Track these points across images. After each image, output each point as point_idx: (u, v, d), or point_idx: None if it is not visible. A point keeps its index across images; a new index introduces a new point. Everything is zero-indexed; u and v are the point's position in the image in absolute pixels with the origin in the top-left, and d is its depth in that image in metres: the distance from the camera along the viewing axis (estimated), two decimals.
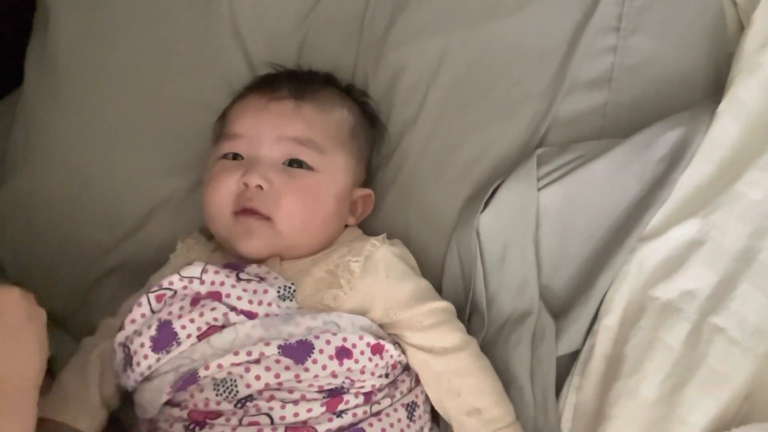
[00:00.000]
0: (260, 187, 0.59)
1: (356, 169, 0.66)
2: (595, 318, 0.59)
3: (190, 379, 0.52)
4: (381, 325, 0.59)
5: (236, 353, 0.52)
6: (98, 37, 0.73)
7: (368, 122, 0.70)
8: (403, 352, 0.59)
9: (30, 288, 0.68)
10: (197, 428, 0.52)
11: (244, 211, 0.59)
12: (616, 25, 0.70)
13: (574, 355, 0.59)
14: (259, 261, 0.60)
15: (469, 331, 0.61)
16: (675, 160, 0.61)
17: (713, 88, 0.67)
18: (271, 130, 0.61)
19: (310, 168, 0.61)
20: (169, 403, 0.54)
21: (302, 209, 0.60)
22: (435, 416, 0.62)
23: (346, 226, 0.67)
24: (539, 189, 0.63)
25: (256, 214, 0.59)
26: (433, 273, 0.65)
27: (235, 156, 0.61)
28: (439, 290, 0.64)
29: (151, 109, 0.72)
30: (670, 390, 0.53)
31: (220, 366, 0.52)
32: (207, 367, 0.52)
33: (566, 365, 0.59)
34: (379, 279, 0.59)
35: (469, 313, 0.64)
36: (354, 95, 0.70)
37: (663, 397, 0.53)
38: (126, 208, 0.70)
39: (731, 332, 0.55)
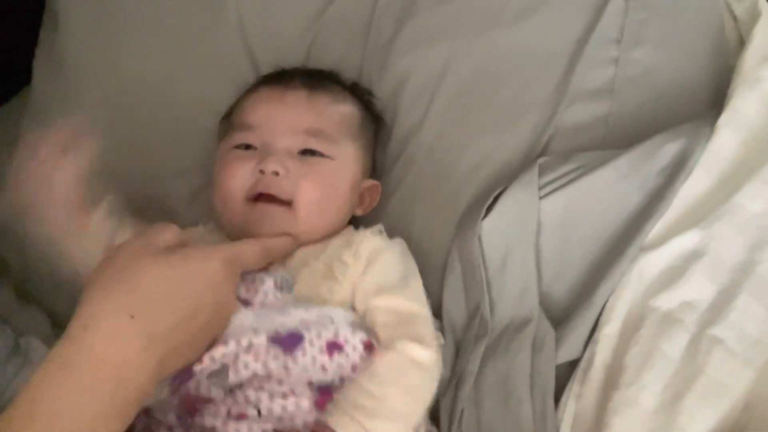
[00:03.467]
0: (277, 173, 0.59)
1: (365, 161, 0.67)
2: (595, 327, 0.59)
3: (186, 376, 0.52)
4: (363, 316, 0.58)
5: (226, 343, 0.52)
6: (106, 39, 0.73)
7: (373, 118, 0.71)
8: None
9: (35, 291, 0.70)
10: (189, 418, 0.52)
11: (262, 197, 0.59)
12: (618, 37, 0.71)
13: (574, 364, 0.59)
14: None
15: (473, 337, 0.61)
16: (675, 172, 0.62)
17: (714, 100, 0.68)
18: (284, 121, 0.61)
19: (324, 156, 0.62)
20: None
21: (320, 194, 0.60)
22: (435, 418, 0.62)
23: (353, 221, 0.67)
24: (541, 197, 0.64)
25: (275, 200, 0.59)
26: (434, 278, 0.64)
27: (248, 147, 0.62)
28: (441, 296, 0.64)
29: (157, 111, 0.72)
30: (670, 400, 0.54)
31: (212, 358, 0.52)
32: (201, 361, 0.52)
33: (566, 373, 0.59)
34: (360, 267, 0.58)
35: (470, 316, 0.64)
36: (359, 93, 0.71)
37: (662, 407, 0.53)
38: (131, 210, 0.70)
39: (730, 343, 0.55)
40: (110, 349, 0.43)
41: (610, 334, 0.58)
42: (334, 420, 0.49)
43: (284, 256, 0.60)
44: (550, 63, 0.71)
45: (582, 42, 0.71)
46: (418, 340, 0.54)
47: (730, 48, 0.70)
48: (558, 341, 0.60)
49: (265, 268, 0.57)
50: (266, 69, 0.74)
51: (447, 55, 0.72)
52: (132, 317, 0.43)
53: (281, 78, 0.67)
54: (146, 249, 0.47)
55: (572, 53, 0.71)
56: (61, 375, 0.41)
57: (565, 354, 0.59)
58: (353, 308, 0.58)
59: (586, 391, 0.57)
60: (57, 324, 0.67)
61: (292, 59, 0.74)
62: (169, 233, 0.50)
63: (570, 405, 0.57)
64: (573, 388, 0.58)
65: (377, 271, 0.59)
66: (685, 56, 0.70)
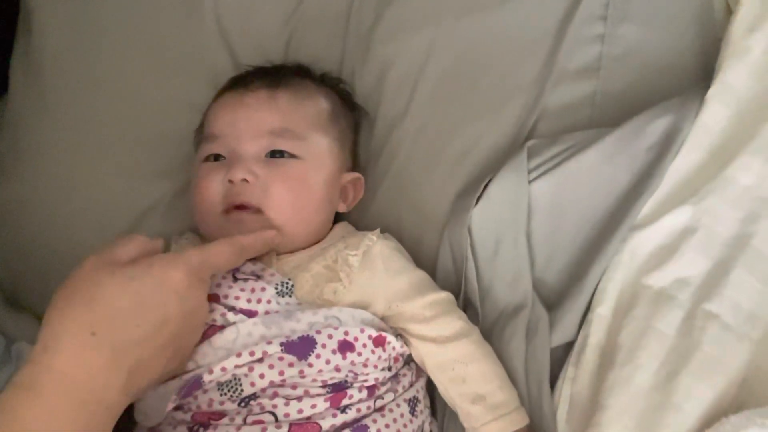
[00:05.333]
0: (246, 181, 0.58)
1: (340, 154, 0.65)
2: (588, 308, 0.59)
3: (194, 385, 0.52)
4: (384, 319, 0.59)
5: (239, 354, 0.52)
6: (82, 41, 0.72)
7: (347, 107, 0.70)
8: (406, 343, 0.59)
9: (22, 295, 0.70)
10: (201, 429, 0.52)
11: (235, 208, 0.59)
12: (603, 14, 0.69)
13: (569, 346, 0.59)
14: (255, 257, 0.59)
15: None
16: (665, 148, 0.61)
17: (702, 74, 0.67)
18: (248, 125, 0.61)
19: (293, 156, 0.61)
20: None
21: (292, 196, 0.60)
22: (433, 411, 0.62)
23: (338, 220, 0.66)
24: (530, 181, 0.63)
25: (247, 209, 0.58)
26: (426, 267, 0.64)
27: (218, 157, 0.61)
28: None
29: (137, 112, 0.72)
30: (665, 378, 0.53)
31: (224, 369, 0.52)
32: (211, 371, 0.52)
33: (561, 356, 0.59)
34: (378, 273, 0.59)
35: (462, 308, 0.63)
36: (329, 82, 0.70)
37: (658, 385, 0.53)
38: (116, 212, 0.70)
39: (725, 318, 0.55)
40: (73, 367, 0.42)
41: (603, 315, 0.58)
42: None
43: (270, 250, 0.59)
44: (534, 44, 0.70)
45: (566, 20, 0.69)
46: (462, 317, 0.60)
47: (717, 19, 0.69)
48: (552, 325, 0.59)
49: (261, 276, 0.57)
50: (246, 63, 0.72)
51: (429, 41, 0.71)
52: (93, 334, 0.42)
53: (243, 80, 0.66)
54: (104, 263, 0.46)
55: (557, 32, 0.69)
56: (25, 397, 0.40)
57: (559, 337, 0.59)
58: (364, 309, 0.58)
59: (580, 373, 0.57)
60: None
61: (272, 54, 0.73)
62: (132, 245, 0.48)
63: (566, 388, 0.57)
64: (568, 371, 0.58)
65: (402, 276, 0.60)
66: (672, 30, 0.69)
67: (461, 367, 0.57)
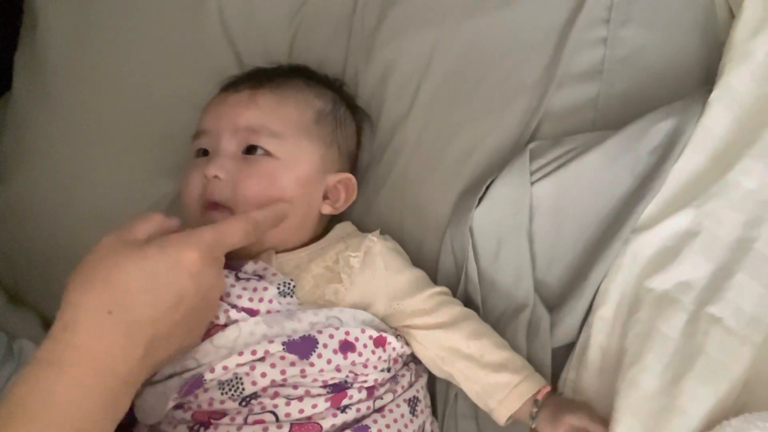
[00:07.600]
0: (218, 177, 0.59)
1: (326, 155, 0.64)
2: (589, 310, 0.59)
3: (195, 383, 0.52)
4: (385, 318, 0.60)
5: (241, 353, 0.52)
6: (87, 39, 0.73)
7: (345, 109, 0.69)
8: (408, 342, 0.60)
9: (26, 294, 0.70)
10: (202, 429, 0.52)
11: (209, 205, 0.60)
12: (606, 17, 0.69)
13: (569, 347, 0.59)
14: (254, 255, 0.60)
15: None
16: (667, 151, 0.61)
17: (705, 77, 0.67)
18: (228, 122, 0.62)
19: (268, 154, 0.61)
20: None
21: (258, 194, 0.59)
22: (433, 411, 0.62)
23: (340, 219, 0.66)
24: (532, 183, 0.63)
25: (219, 207, 0.59)
26: (427, 268, 0.64)
27: (205, 153, 0.63)
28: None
29: (141, 110, 0.72)
30: (670, 380, 0.53)
31: (225, 368, 0.52)
32: (212, 370, 0.52)
33: (562, 357, 0.59)
34: (378, 273, 0.60)
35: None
36: (329, 84, 0.70)
37: (663, 387, 0.53)
38: (119, 211, 0.70)
39: (728, 322, 0.54)
40: (92, 344, 0.43)
41: (605, 317, 0.57)
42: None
43: (268, 248, 0.60)
44: (537, 46, 0.70)
45: (570, 23, 0.70)
46: (459, 303, 0.62)
47: (720, 22, 0.69)
48: (553, 326, 0.60)
49: (263, 276, 0.57)
50: (250, 62, 0.73)
51: (433, 41, 0.71)
52: (110, 313, 0.44)
53: (235, 81, 0.67)
54: (121, 242, 0.47)
55: (560, 35, 0.69)
56: (48, 371, 0.42)
57: (560, 338, 0.59)
58: (364, 309, 0.59)
59: (582, 374, 0.57)
60: (49, 326, 0.67)
61: (276, 53, 0.74)
62: (148, 223, 0.49)
63: (566, 390, 0.57)
64: (569, 373, 0.57)
65: (401, 274, 0.61)
66: (675, 33, 0.69)
67: (475, 343, 0.58)
